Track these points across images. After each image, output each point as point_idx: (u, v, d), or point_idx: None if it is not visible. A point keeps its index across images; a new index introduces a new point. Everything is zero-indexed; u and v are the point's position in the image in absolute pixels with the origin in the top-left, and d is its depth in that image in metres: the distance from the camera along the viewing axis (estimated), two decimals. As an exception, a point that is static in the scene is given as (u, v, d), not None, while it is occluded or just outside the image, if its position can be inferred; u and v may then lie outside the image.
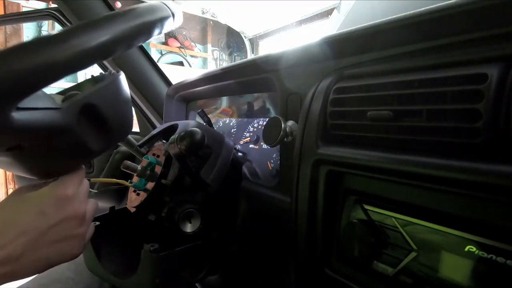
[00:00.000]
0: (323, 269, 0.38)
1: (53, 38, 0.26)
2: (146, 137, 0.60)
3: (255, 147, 0.66)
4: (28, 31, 2.51)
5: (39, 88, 0.27)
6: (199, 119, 0.76)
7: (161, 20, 0.33)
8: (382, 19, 0.34)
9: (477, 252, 0.25)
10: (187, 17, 3.21)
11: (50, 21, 2.46)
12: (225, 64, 3.45)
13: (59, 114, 0.31)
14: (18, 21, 1.45)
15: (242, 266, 0.59)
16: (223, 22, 2.38)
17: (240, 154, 0.67)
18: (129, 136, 0.50)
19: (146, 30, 0.32)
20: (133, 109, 0.43)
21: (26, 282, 0.61)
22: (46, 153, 0.34)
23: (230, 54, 3.67)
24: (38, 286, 0.59)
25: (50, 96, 0.33)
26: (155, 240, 0.46)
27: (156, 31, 0.33)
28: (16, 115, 0.27)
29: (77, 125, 0.33)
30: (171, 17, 0.34)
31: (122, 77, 0.39)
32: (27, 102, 0.27)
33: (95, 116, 0.35)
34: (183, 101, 0.88)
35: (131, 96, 1.03)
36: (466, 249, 0.26)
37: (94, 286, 0.59)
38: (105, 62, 0.99)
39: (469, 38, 0.28)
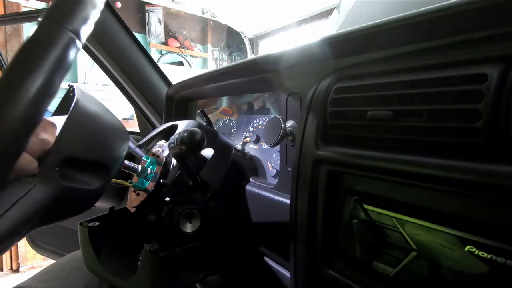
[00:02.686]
0: (323, 269, 0.38)
1: None
2: (146, 137, 0.60)
3: (255, 147, 0.66)
4: (28, 31, 2.51)
5: None
6: (199, 119, 0.76)
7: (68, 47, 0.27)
8: (382, 19, 0.34)
9: (477, 252, 0.25)
10: (187, 17, 3.21)
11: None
12: (225, 64, 3.45)
13: (40, 189, 0.29)
14: (18, 21, 1.45)
15: (242, 266, 0.59)
16: (223, 22, 2.38)
17: (240, 154, 0.67)
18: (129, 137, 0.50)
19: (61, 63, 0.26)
20: (108, 119, 0.38)
21: (28, 279, 0.61)
22: (55, 218, 0.34)
23: (230, 54, 3.67)
24: (39, 282, 0.59)
25: (18, 181, 0.30)
26: (155, 240, 0.46)
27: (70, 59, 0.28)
28: None
29: (63, 182, 0.31)
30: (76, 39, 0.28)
31: (80, 102, 0.34)
32: None
33: (76, 163, 0.33)
34: (183, 101, 0.88)
35: (131, 97, 1.03)
36: (466, 249, 0.26)
37: (94, 283, 0.59)
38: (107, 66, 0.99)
39: (469, 38, 0.28)
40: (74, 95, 0.35)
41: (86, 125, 0.35)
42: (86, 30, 0.29)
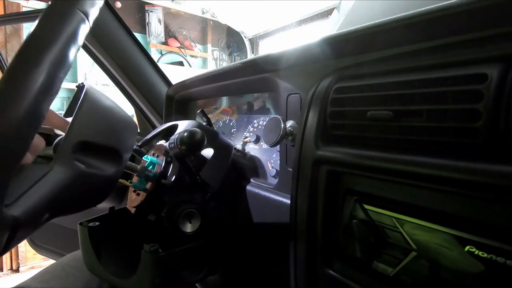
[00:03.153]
0: (323, 269, 0.38)
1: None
2: (146, 137, 0.60)
3: (255, 147, 0.66)
4: (28, 31, 2.50)
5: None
6: (199, 119, 0.76)
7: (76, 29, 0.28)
8: (382, 19, 0.34)
9: (477, 252, 0.25)
10: (187, 17, 3.21)
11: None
12: (225, 64, 3.45)
13: (57, 172, 0.31)
14: (18, 21, 1.45)
15: (242, 266, 0.59)
16: (223, 22, 2.38)
17: (240, 154, 0.67)
18: None
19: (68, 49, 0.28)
20: (117, 109, 0.40)
21: (28, 279, 0.61)
22: (72, 206, 0.34)
23: (230, 54, 3.67)
24: (39, 282, 0.59)
25: (34, 164, 0.32)
26: (155, 240, 0.46)
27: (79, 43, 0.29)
28: (11, 211, 0.26)
29: (78, 166, 0.33)
30: (85, 20, 0.30)
31: (90, 92, 0.36)
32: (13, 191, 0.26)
33: (89, 148, 0.34)
34: (183, 101, 0.88)
35: (131, 97, 1.04)
36: (466, 249, 0.26)
37: (94, 283, 0.59)
38: (105, 65, 0.99)
39: (469, 38, 0.28)
40: (83, 86, 0.37)
41: (97, 112, 0.37)
42: (94, 13, 0.31)
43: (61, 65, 0.27)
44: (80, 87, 0.38)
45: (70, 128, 0.34)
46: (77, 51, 0.29)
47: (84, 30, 0.29)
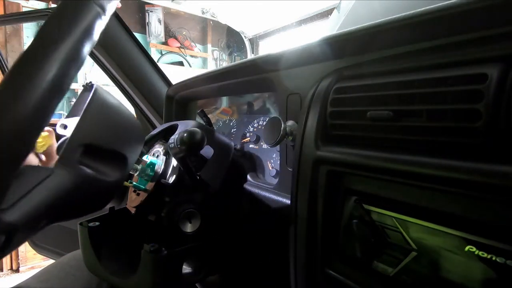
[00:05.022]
0: (323, 269, 0.38)
1: None
2: (146, 137, 0.60)
3: (255, 147, 0.66)
4: (28, 31, 2.51)
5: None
6: (199, 119, 0.76)
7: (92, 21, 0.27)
8: (382, 19, 0.34)
9: (477, 252, 0.25)
10: (187, 17, 3.21)
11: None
12: (225, 64, 3.45)
13: (59, 175, 0.29)
14: (18, 21, 1.45)
15: (242, 266, 0.59)
16: (223, 22, 2.38)
17: (240, 154, 0.67)
18: None
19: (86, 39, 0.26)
20: (126, 112, 0.39)
21: (28, 278, 0.61)
22: (72, 212, 0.33)
23: (230, 54, 3.67)
24: (39, 282, 0.59)
25: (34, 166, 0.30)
26: (155, 240, 0.46)
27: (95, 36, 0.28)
28: (7, 216, 0.25)
29: (82, 169, 0.31)
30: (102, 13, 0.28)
31: (99, 93, 0.35)
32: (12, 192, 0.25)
33: (95, 151, 0.32)
34: (183, 101, 0.88)
35: (131, 97, 1.04)
36: (466, 249, 0.26)
37: (94, 283, 0.59)
38: (105, 64, 0.98)
39: (469, 38, 0.28)
40: (92, 86, 0.36)
41: (105, 114, 0.35)
42: (111, 6, 0.30)
43: (73, 62, 0.25)
44: (89, 86, 0.37)
45: (76, 129, 0.32)
46: (92, 46, 0.28)
47: (100, 24, 0.28)
